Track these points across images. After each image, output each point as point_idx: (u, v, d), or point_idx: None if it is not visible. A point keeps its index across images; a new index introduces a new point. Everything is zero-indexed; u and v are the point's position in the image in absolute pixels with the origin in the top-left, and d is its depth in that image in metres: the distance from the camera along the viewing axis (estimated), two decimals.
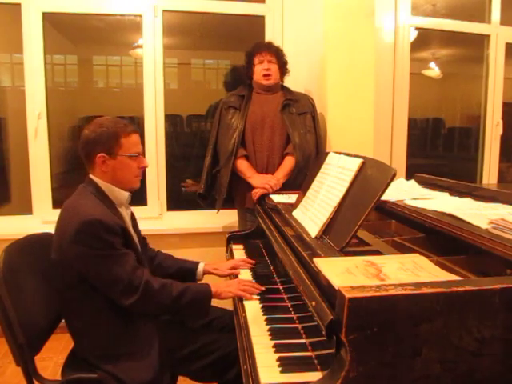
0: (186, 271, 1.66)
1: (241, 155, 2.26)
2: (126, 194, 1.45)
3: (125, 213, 1.46)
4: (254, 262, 1.71)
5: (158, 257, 1.69)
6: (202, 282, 1.57)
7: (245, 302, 1.35)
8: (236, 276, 1.62)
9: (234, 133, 2.27)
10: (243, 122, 2.27)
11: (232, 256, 1.86)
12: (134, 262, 1.32)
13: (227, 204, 2.46)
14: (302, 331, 1.13)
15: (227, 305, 1.54)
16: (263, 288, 1.40)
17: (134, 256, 1.34)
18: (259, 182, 2.19)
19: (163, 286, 1.32)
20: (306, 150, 2.26)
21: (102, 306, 1.32)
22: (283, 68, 2.35)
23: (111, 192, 1.40)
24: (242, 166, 2.27)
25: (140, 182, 1.48)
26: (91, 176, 1.41)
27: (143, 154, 1.47)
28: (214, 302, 1.42)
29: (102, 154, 1.36)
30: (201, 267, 1.67)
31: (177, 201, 2.93)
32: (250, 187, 2.26)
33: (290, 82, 2.45)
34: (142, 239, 1.63)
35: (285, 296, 1.36)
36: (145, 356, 1.32)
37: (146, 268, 1.36)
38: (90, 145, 1.37)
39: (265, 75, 2.27)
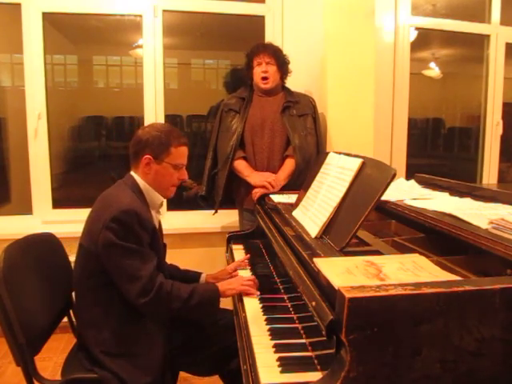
0: (189, 281, 1.67)
1: (239, 156, 2.27)
2: (160, 198, 1.48)
3: (155, 216, 1.49)
4: (248, 256, 1.73)
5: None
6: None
7: (245, 302, 1.35)
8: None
9: (233, 135, 2.27)
10: (242, 125, 2.27)
11: (232, 256, 1.86)
12: (155, 263, 1.33)
13: (227, 204, 2.46)
14: (302, 331, 1.13)
15: (227, 305, 1.54)
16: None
17: (156, 259, 1.36)
18: (258, 179, 2.19)
19: (173, 289, 1.33)
20: (307, 152, 2.25)
21: (115, 300, 1.34)
22: (283, 69, 2.32)
23: (148, 192, 1.44)
24: (240, 165, 2.27)
25: (174, 192, 1.52)
26: (132, 173, 1.45)
27: (186, 167, 1.51)
28: None
29: (148, 156, 1.40)
30: (203, 278, 1.69)
31: (177, 201, 2.92)
32: (250, 188, 2.26)
33: (290, 82, 2.45)
34: (164, 245, 1.65)
35: (285, 296, 1.36)
36: (148, 357, 1.33)
37: (160, 272, 1.37)
38: (140, 145, 1.42)
39: (263, 78, 2.27)
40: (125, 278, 1.30)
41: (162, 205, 1.52)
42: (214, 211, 2.46)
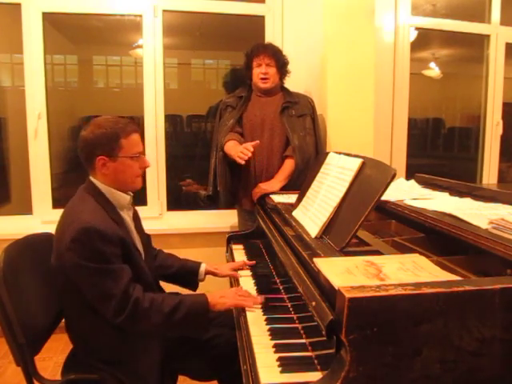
0: (188, 271, 1.64)
1: (228, 139, 2.22)
2: (127, 198, 1.41)
3: (126, 216, 1.43)
4: (254, 263, 1.70)
5: (159, 256, 1.67)
6: (198, 291, 1.54)
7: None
8: (236, 279, 1.60)
9: (227, 127, 2.27)
10: (237, 117, 2.27)
11: (232, 256, 1.86)
12: (128, 278, 1.25)
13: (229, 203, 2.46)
14: (301, 331, 1.13)
15: None
16: (260, 300, 1.31)
17: (130, 272, 1.28)
18: (233, 152, 2.13)
19: (153, 303, 1.25)
20: (306, 153, 2.25)
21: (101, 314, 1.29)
22: (282, 70, 2.32)
23: (112, 195, 1.36)
24: (227, 147, 2.21)
25: (142, 181, 1.45)
26: (92, 178, 1.37)
27: (144, 153, 1.43)
28: None
29: (102, 157, 1.32)
30: (203, 267, 1.65)
31: (177, 201, 2.93)
32: (248, 189, 2.26)
33: (289, 82, 2.45)
34: (147, 237, 1.60)
35: (285, 296, 1.36)
36: (144, 362, 1.32)
37: (138, 285, 1.28)
38: (88, 147, 1.33)
39: (262, 78, 2.27)
40: (97, 298, 1.24)
41: (131, 200, 1.44)
42: (215, 210, 2.45)
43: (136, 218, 1.53)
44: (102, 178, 1.36)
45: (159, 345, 1.37)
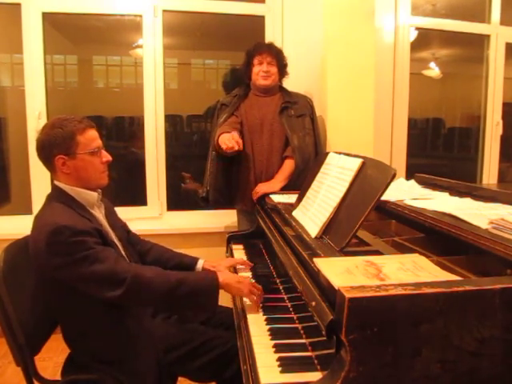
0: (185, 266, 1.61)
1: (221, 132, 2.18)
2: (94, 195, 1.39)
3: (98, 213, 1.41)
4: (252, 264, 1.68)
5: (153, 250, 1.64)
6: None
7: (245, 302, 1.35)
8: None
9: (220, 124, 2.26)
10: (230, 113, 2.26)
11: (232, 256, 1.86)
12: (114, 255, 1.25)
13: (227, 204, 2.46)
14: (301, 331, 1.13)
15: (225, 302, 1.53)
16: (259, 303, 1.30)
17: (114, 251, 1.28)
18: (221, 140, 2.09)
19: (157, 273, 1.24)
20: (306, 153, 2.25)
21: (94, 316, 1.29)
22: (282, 71, 2.32)
23: (78, 195, 1.34)
24: (221, 139, 2.14)
25: (108, 177, 1.42)
26: (56, 182, 1.35)
27: (103, 148, 1.40)
28: None
29: (60, 156, 1.30)
30: (200, 264, 1.62)
31: (177, 201, 2.92)
32: (246, 190, 2.26)
33: (289, 82, 2.45)
34: (127, 233, 1.58)
35: (285, 296, 1.36)
36: (140, 361, 1.31)
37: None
38: (46, 149, 1.32)
39: (262, 76, 2.26)
40: (91, 285, 1.22)
41: (99, 197, 1.42)
42: (216, 210, 2.45)
43: (109, 214, 1.50)
44: (65, 179, 1.34)
45: (157, 344, 1.37)
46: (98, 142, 1.37)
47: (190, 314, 1.52)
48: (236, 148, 2.01)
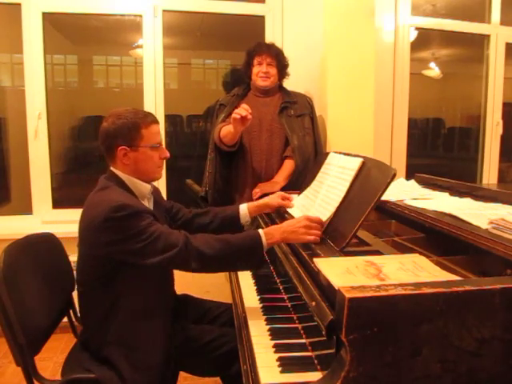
0: (230, 221, 1.61)
1: (221, 127, 2.18)
2: (148, 187, 1.43)
3: (147, 205, 1.44)
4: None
5: (196, 217, 1.65)
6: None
7: (245, 302, 1.35)
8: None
9: (218, 122, 2.25)
10: (228, 112, 2.24)
11: None
12: (165, 227, 1.28)
13: (226, 204, 2.45)
14: (301, 331, 1.13)
15: (228, 300, 1.53)
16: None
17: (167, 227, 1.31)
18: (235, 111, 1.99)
19: (203, 241, 1.25)
20: (305, 153, 2.24)
21: (121, 297, 1.31)
22: (282, 71, 2.31)
23: (133, 185, 1.38)
24: (222, 132, 2.15)
25: (162, 172, 1.46)
26: (112, 169, 1.38)
27: (162, 144, 1.44)
28: (214, 297, 1.35)
29: (123, 147, 1.33)
30: (243, 209, 1.61)
31: (177, 201, 2.92)
32: (245, 190, 2.26)
33: (289, 82, 2.45)
34: (171, 208, 1.63)
35: (285, 296, 1.36)
36: (149, 354, 1.32)
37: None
38: (110, 138, 1.34)
39: (262, 77, 2.26)
40: (142, 257, 1.22)
41: (151, 190, 1.45)
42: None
43: (156, 207, 1.52)
44: (122, 168, 1.37)
45: (165, 338, 1.37)
46: (160, 138, 1.41)
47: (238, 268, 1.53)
48: (249, 117, 1.91)
